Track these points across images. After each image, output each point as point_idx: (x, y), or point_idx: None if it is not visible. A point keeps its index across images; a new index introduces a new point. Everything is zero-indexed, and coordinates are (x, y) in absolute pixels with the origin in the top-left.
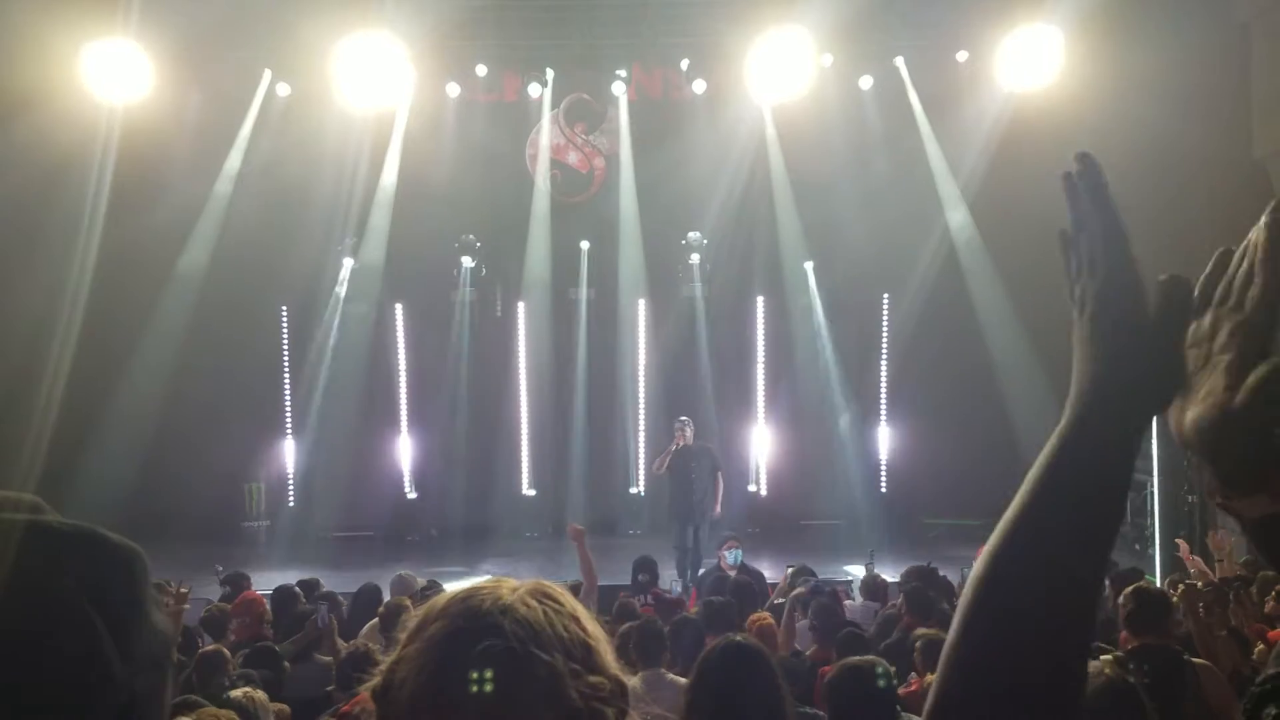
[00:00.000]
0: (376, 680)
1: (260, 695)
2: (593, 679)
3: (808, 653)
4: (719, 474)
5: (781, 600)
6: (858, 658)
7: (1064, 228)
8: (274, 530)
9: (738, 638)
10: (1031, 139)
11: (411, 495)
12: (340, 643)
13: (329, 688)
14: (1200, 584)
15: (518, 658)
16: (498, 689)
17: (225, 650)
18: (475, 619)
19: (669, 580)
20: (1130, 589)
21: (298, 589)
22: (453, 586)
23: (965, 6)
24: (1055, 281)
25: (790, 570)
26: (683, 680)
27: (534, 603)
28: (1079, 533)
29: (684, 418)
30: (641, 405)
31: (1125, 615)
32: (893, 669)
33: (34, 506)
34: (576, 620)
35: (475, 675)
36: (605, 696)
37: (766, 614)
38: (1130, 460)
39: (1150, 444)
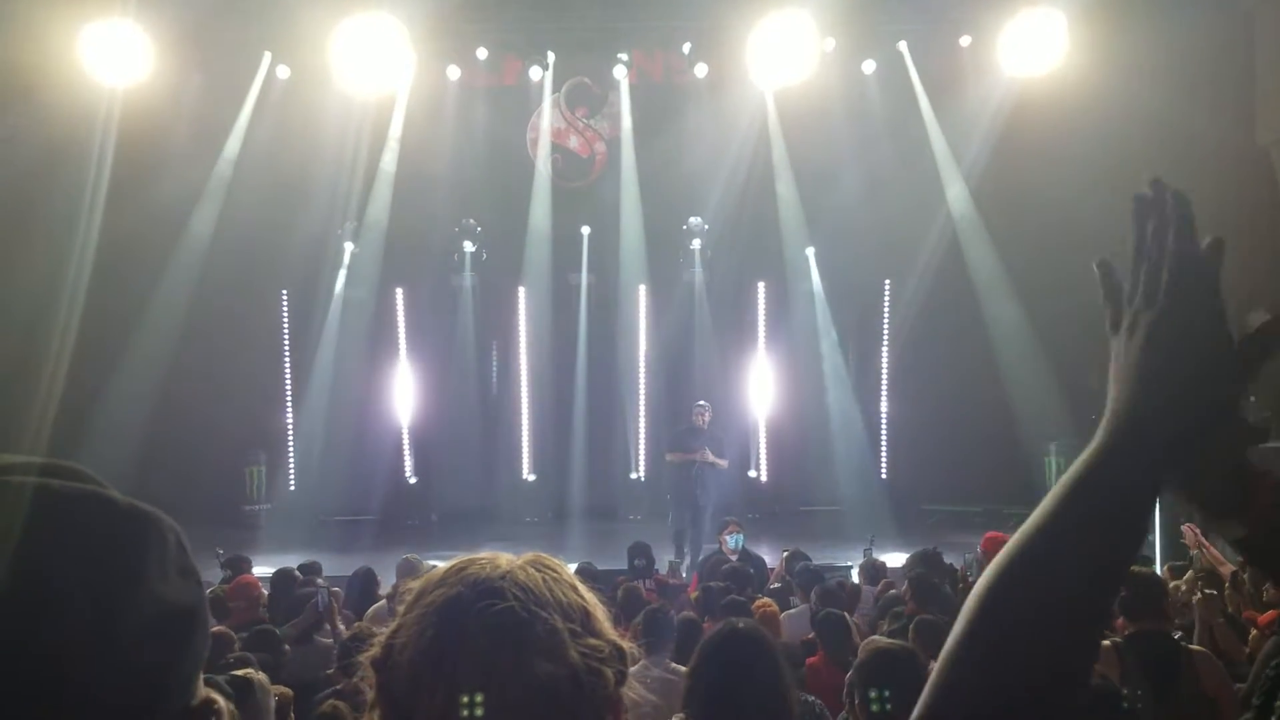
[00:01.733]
0: (375, 650)
1: (261, 676)
2: (591, 641)
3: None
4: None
5: (778, 585)
6: (888, 641)
7: (1104, 257)
8: (274, 514)
9: (739, 623)
10: (1035, 124)
11: (412, 480)
12: (341, 626)
13: (328, 670)
14: (1208, 570)
15: (518, 618)
16: (499, 647)
17: (229, 631)
18: (475, 585)
19: (668, 563)
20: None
21: (297, 572)
22: None
23: None
24: (1055, 266)
25: (785, 555)
26: (682, 669)
27: (533, 570)
28: (1091, 562)
29: (703, 402)
30: (641, 390)
31: (1121, 601)
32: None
33: (47, 469)
34: (574, 588)
35: (477, 637)
36: (604, 658)
37: (769, 601)
38: (1154, 494)
39: None
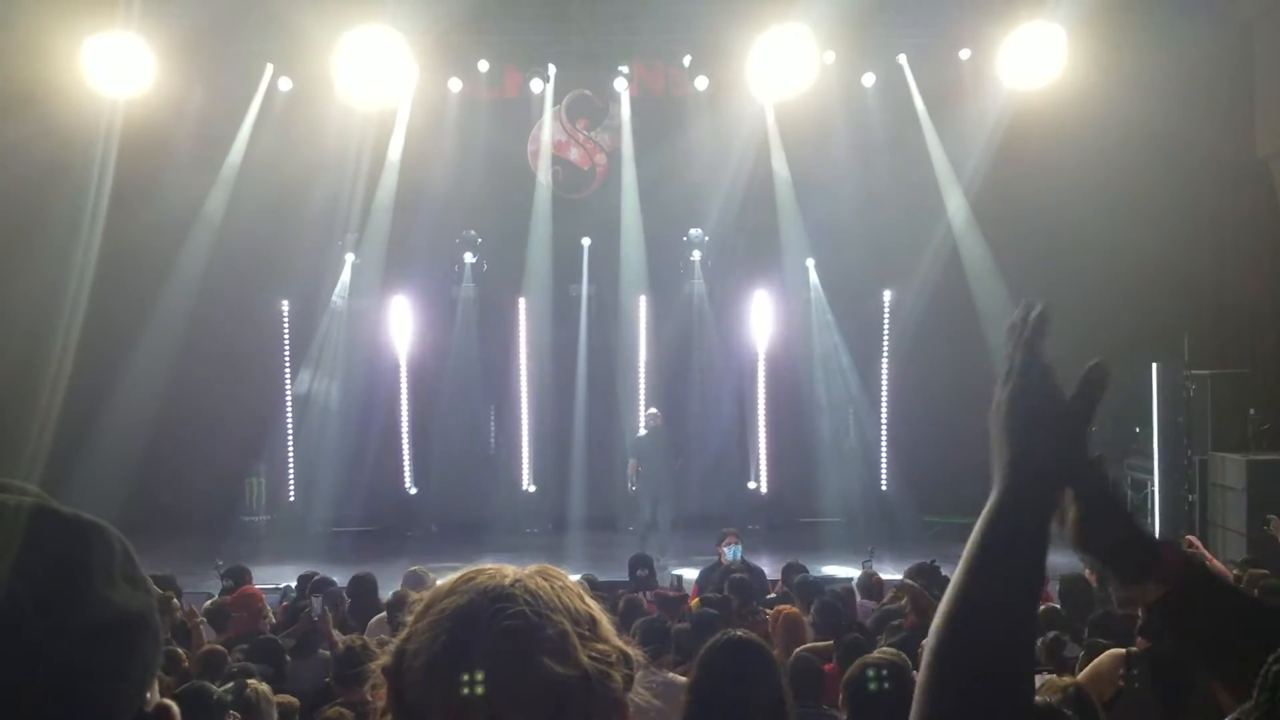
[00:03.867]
0: (387, 658)
1: (264, 687)
2: (600, 645)
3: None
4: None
5: (774, 596)
6: (878, 655)
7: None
8: (274, 525)
9: (738, 633)
10: (1034, 137)
11: (412, 490)
12: (338, 635)
13: (328, 680)
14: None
15: (530, 622)
16: (512, 650)
17: (222, 648)
18: (486, 592)
19: (664, 576)
20: None
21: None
22: None
23: (968, 4)
24: (1055, 279)
25: (785, 566)
26: (682, 679)
27: (540, 579)
28: (1008, 599)
29: (653, 409)
30: (642, 402)
31: (1139, 625)
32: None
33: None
34: (580, 597)
35: (491, 640)
36: (612, 661)
37: (788, 606)
38: (1044, 534)
39: (1151, 444)
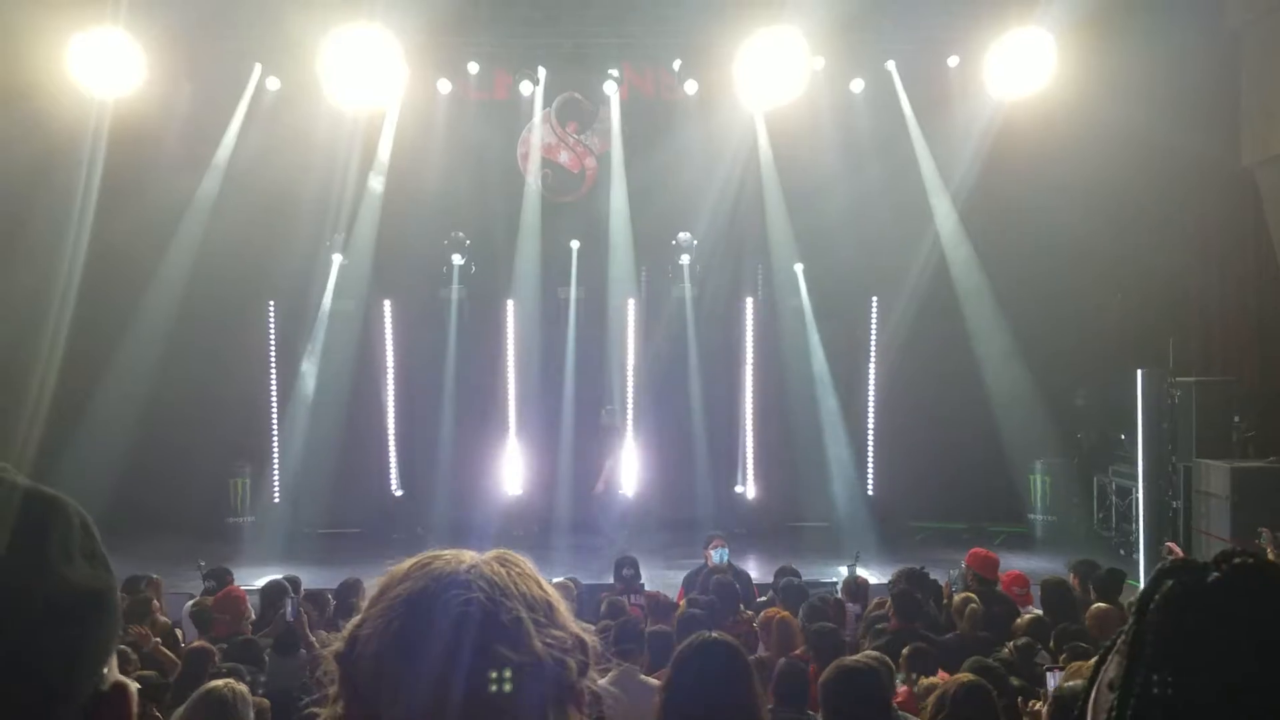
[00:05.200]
0: (338, 644)
1: (241, 687)
2: (556, 632)
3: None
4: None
5: (764, 599)
6: (853, 658)
7: None
8: (259, 526)
9: (712, 635)
10: (1022, 144)
11: (398, 493)
12: (320, 635)
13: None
14: None
15: (484, 608)
16: (465, 636)
17: (210, 646)
18: (440, 578)
19: (652, 579)
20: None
21: (287, 584)
22: None
23: (957, 10)
24: (1042, 286)
25: (776, 571)
26: (654, 682)
27: (497, 565)
28: None
29: (611, 405)
30: (630, 405)
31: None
32: (893, 668)
33: None
34: (538, 582)
35: (444, 626)
36: (567, 648)
37: (777, 609)
38: None
39: (1136, 450)
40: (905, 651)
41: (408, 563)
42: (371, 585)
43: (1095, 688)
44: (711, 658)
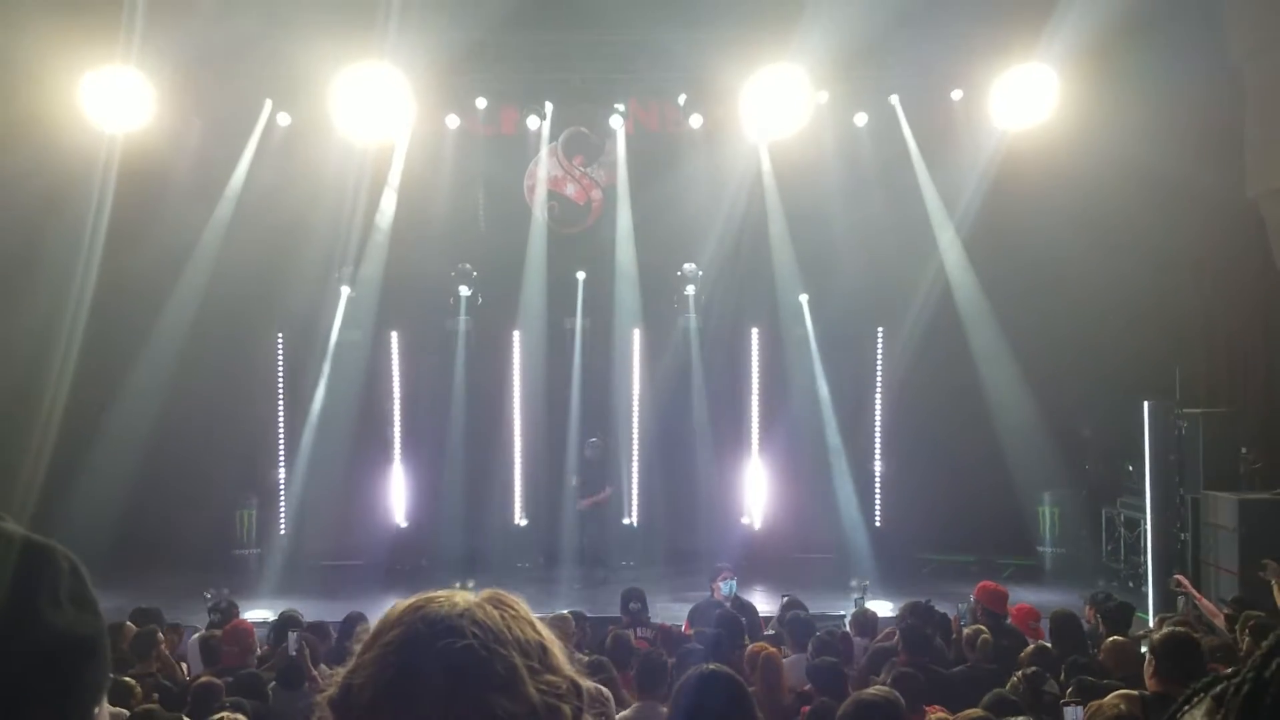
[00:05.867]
0: (332, 690)
1: (238, 717)
2: (550, 678)
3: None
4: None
5: (771, 632)
6: (870, 691)
7: None
8: (265, 558)
9: (711, 666)
10: (1026, 176)
11: (403, 524)
12: (322, 670)
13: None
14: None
15: (478, 656)
16: (459, 686)
17: (217, 681)
18: (434, 623)
19: (657, 612)
20: (1162, 636)
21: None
22: None
23: (960, 45)
24: (1047, 317)
25: (784, 601)
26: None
27: (490, 609)
28: None
29: (595, 439)
30: (635, 436)
31: (1153, 665)
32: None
33: None
34: (531, 625)
35: (438, 674)
36: (562, 694)
37: (765, 645)
38: None
39: (1144, 482)
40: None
41: (401, 606)
42: (363, 630)
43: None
44: (712, 689)
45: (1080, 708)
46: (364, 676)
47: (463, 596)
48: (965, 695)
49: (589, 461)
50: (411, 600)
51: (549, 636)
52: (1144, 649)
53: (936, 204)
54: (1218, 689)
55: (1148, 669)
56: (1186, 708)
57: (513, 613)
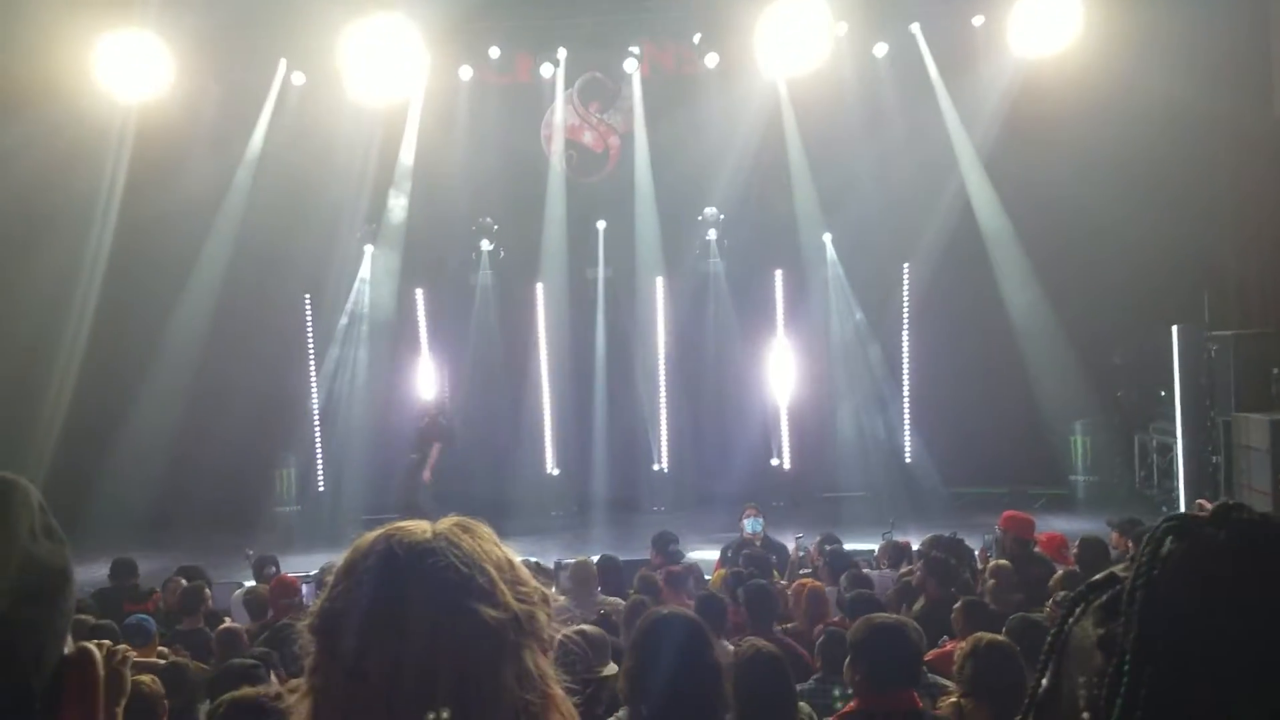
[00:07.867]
0: (312, 619)
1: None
2: (522, 588)
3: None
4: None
5: (807, 570)
6: (884, 615)
7: None
8: (304, 515)
9: (665, 610)
10: (1048, 104)
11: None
12: None
13: None
14: None
15: (460, 572)
16: (447, 599)
17: (239, 628)
18: (410, 547)
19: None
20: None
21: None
22: None
23: None
24: (1075, 245)
25: (818, 540)
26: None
27: (460, 531)
28: None
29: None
30: (661, 382)
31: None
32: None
33: None
34: (496, 544)
35: (425, 591)
36: (535, 602)
37: (809, 579)
38: None
39: (1174, 405)
40: (957, 607)
41: (370, 536)
42: (333, 563)
43: (1064, 633)
44: (670, 631)
45: None
46: (345, 602)
47: (425, 524)
48: (986, 624)
49: (422, 434)
50: (380, 531)
51: (510, 552)
52: None
53: (960, 134)
54: (1104, 598)
55: None
56: (1070, 620)
57: (478, 533)
